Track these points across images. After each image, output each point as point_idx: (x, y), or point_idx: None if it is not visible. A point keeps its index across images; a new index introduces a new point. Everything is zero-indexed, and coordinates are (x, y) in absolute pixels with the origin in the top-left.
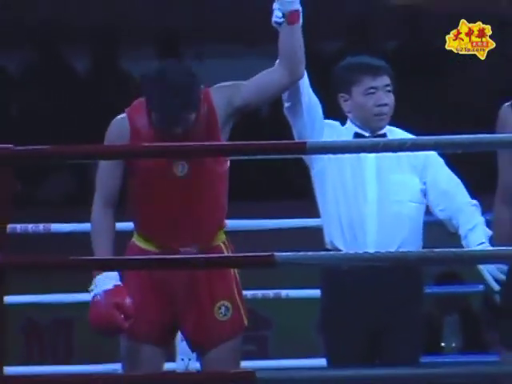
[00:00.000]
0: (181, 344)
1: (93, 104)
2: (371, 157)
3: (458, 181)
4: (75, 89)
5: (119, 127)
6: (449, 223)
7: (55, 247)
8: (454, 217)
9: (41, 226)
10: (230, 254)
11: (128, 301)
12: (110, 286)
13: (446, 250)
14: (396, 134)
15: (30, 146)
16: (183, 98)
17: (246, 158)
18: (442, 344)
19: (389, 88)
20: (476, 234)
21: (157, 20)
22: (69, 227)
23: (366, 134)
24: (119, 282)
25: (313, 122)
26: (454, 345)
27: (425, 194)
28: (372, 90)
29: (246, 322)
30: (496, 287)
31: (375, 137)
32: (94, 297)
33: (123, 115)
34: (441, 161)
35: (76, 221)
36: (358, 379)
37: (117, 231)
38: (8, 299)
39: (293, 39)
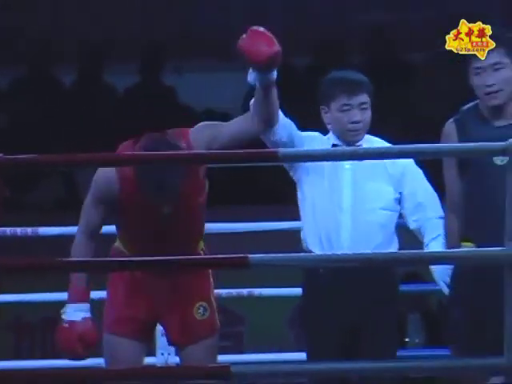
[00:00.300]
0: (161, 339)
1: (78, 115)
2: (348, 166)
3: (434, 193)
4: (62, 100)
5: (105, 176)
6: (417, 232)
7: (44, 250)
8: (422, 226)
9: (29, 230)
10: (207, 256)
11: (92, 332)
12: (78, 319)
13: (410, 251)
14: (372, 143)
15: (18, 154)
16: (170, 192)
17: (220, 166)
18: (407, 339)
19: (364, 106)
20: (437, 243)
21: (139, 37)
22: (56, 230)
23: (342, 145)
24: (88, 314)
25: (287, 142)
26: (417, 340)
27: (399, 202)
28: (346, 108)
29: (218, 322)
30: (446, 292)
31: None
32: (62, 322)
33: None
34: (419, 172)
35: (64, 224)
36: (325, 372)
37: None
38: None
39: (266, 100)
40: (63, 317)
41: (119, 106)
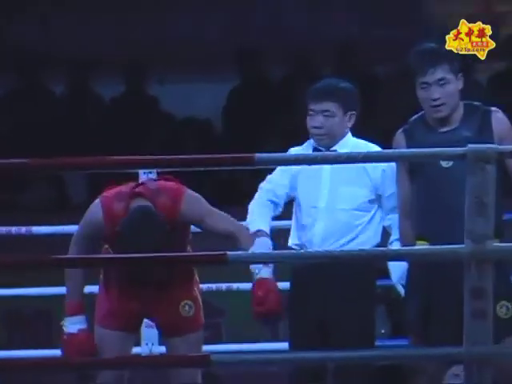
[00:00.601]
0: (145, 330)
1: (68, 122)
2: (327, 170)
3: None
4: (53, 109)
5: (95, 214)
6: (389, 228)
7: (37, 248)
8: (394, 226)
9: (23, 229)
10: (189, 253)
11: (87, 342)
12: (74, 331)
13: (376, 249)
14: (357, 147)
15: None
16: (151, 245)
17: (200, 170)
18: None
19: (327, 113)
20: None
21: (125, 49)
22: (49, 229)
23: (322, 149)
24: (84, 326)
25: (292, 193)
26: (383, 331)
27: (374, 202)
28: (311, 113)
29: (203, 318)
30: (402, 292)
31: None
32: (63, 334)
33: (97, 201)
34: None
35: (55, 223)
36: (296, 361)
37: None
38: None
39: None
40: (63, 329)
41: (106, 114)
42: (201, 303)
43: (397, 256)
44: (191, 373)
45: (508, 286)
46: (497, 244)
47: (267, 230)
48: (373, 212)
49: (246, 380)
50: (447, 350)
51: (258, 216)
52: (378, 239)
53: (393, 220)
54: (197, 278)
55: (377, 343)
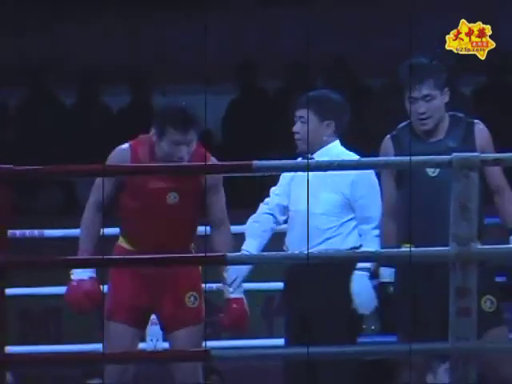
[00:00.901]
0: (150, 327)
1: (78, 131)
2: (311, 177)
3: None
4: (63, 118)
5: (121, 157)
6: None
7: (48, 249)
8: (364, 238)
9: (36, 232)
10: (191, 254)
11: (97, 290)
12: (85, 277)
13: (366, 250)
14: (338, 156)
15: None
16: (192, 121)
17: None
18: (364, 326)
19: (302, 120)
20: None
21: (129, 62)
22: (60, 232)
23: (309, 155)
24: (94, 275)
25: (285, 205)
26: (373, 327)
27: (347, 209)
28: (295, 119)
29: (204, 311)
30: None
31: (311, 158)
32: (71, 281)
33: (126, 146)
34: (373, 185)
35: (65, 227)
36: (291, 356)
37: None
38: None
39: None
40: (72, 277)
41: (113, 123)
42: (203, 297)
43: (386, 258)
44: (192, 367)
45: (492, 282)
46: (480, 246)
47: (252, 249)
48: (348, 217)
49: (247, 375)
50: (434, 345)
51: (248, 235)
52: (352, 243)
53: (364, 231)
54: (200, 272)
55: (367, 339)
